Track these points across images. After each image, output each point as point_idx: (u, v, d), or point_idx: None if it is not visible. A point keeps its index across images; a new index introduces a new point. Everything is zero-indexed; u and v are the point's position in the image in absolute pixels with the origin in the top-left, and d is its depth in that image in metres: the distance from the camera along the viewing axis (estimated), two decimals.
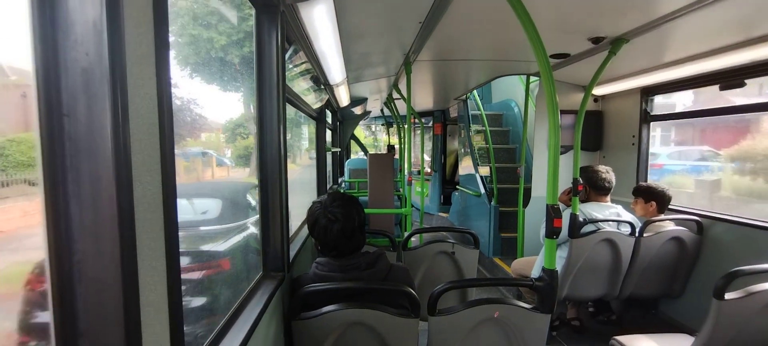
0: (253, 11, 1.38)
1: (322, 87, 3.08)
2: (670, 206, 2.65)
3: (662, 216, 2.59)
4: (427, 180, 7.74)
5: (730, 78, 2.45)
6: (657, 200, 2.58)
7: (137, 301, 0.49)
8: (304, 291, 1.31)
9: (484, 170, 5.20)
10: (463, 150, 6.01)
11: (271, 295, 1.23)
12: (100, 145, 0.45)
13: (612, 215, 2.53)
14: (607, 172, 2.58)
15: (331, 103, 4.07)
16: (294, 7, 1.56)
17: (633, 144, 3.27)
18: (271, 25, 1.40)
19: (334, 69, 2.64)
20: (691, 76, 2.67)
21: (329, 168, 4.66)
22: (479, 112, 5.24)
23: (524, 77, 4.14)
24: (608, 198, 2.62)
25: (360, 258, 1.41)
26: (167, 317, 0.57)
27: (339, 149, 6.25)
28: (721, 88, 2.51)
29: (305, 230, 2.30)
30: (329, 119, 4.46)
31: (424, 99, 5.97)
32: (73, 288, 0.45)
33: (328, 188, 4.11)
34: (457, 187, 6.26)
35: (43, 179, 0.44)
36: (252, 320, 1.04)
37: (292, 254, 1.67)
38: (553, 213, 1.42)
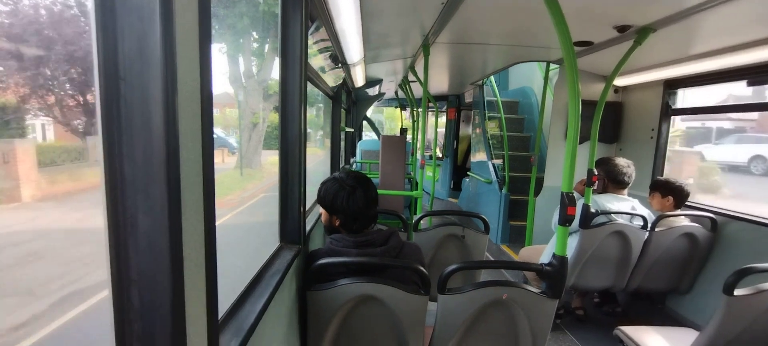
0: None
1: (340, 65, 3.09)
2: (686, 203, 2.62)
3: (677, 211, 2.56)
4: (438, 165, 7.72)
5: (759, 74, 2.37)
6: (674, 194, 2.55)
7: (181, 254, 0.53)
8: (319, 263, 1.36)
9: (497, 158, 5.17)
10: (476, 136, 5.96)
11: (288, 265, 1.28)
12: (152, 109, 0.48)
13: (626, 207, 2.51)
14: (628, 166, 2.55)
15: (346, 84, 4.06)
16: None
17: (651, 138, 3.21)
18: (295, 2, 1.41)
19: (353, 48, 2.64)
20: (718, 70, 2.59)
21: (341, 149, 4.69)
22: (495, 98, 5.17)
23: (543, 65, 4.06)
24: (625, 191, 2.60)
25: (374, 235, 1.45)
26: (204, 272, 0.62)
27: (352, 130, 6.27)
28: (749, 84, 2.44)
29: (317, 209, 2.35)
30: (343, 100, 4.46)
31: (439, 83, 5.91)
32: (126, 238, 0.50)
33: (340, 167, 4.15)
34: (468, 173, 6.25)
35: (101, 139, 0.48)
36: (271, 288, 1.10)
37: (307, 228, 1.73)
38: (567, 201, 1.43)
